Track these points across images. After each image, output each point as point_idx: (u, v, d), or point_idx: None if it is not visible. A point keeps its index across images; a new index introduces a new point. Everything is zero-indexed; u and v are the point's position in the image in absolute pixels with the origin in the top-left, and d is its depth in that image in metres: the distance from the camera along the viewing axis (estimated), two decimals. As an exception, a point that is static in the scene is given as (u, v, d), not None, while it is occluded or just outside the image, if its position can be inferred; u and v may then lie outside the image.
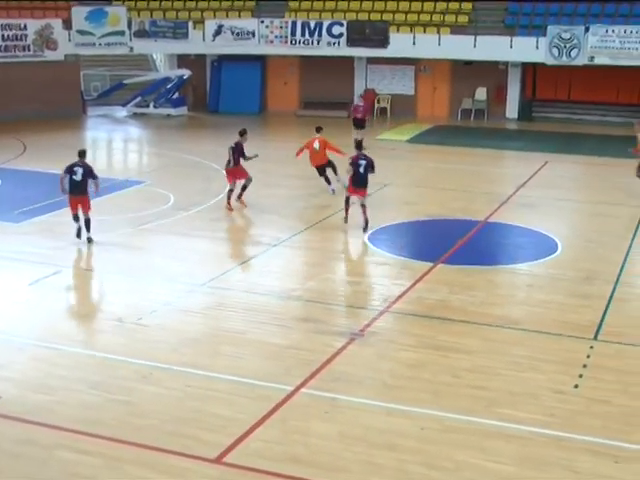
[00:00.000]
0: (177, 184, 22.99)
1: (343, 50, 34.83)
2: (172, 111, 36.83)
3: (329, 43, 34.78)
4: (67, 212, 18.78)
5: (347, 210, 18.95)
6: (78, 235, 17.59)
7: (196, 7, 38.17)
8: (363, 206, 18.54)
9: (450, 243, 17.88)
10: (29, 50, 34.56)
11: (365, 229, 18.33)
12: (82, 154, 18.04)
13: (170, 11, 37.92)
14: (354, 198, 18.87)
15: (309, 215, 20.16)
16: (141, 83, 38.24)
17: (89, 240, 17.53)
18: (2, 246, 17.42)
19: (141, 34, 35.94)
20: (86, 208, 17.65)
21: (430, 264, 16.34)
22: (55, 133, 31.11)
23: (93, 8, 35.73)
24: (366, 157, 18.97)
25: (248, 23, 35.62)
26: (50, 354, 12.24)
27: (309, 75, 37.77)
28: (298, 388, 11.10)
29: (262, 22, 35.36)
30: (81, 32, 35.37)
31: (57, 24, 35.04)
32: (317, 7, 37.46)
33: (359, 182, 18.73)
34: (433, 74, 37.28)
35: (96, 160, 28.18)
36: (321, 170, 21.95)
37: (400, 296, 14.60)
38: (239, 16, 37.11)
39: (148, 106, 37.19)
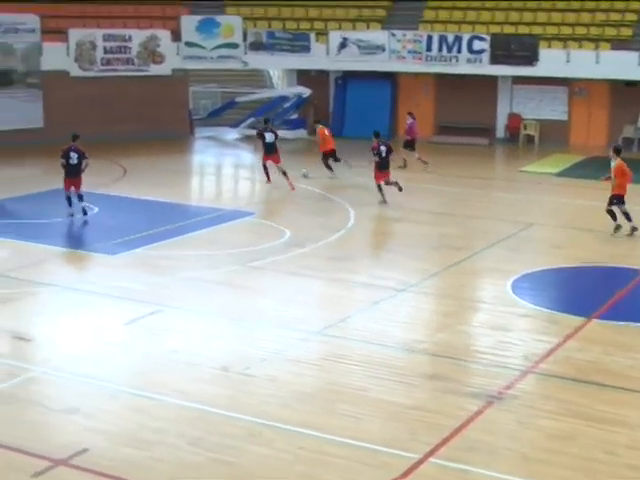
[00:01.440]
0: (292, 217, 23.29)
1: (485, 68, 34.79)
2: (289, 134, 37.22)
3: (469, 60, 34.79)
4: (167, 245, 19.33)
5: (383, 194, 24.59)
6: (72, 214, 22.46)
7: (320, 16, 38.51)
8: (392, 183, 24.57)
9: (606, 295, 17.51)
10: (133, 64, 35.67)
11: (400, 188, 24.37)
12: (75, 138, 22.80)
13: (290, 21, 38.36)
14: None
15: (441, 256, 20.09)
16: (255, 102, 38.88)
17: (84, 211, 22.33)
18: (96, 280, 17.95)
19: (257, 47, 36.64)
20: (78, 187, 22.55)
21: (581, 319, 16.03)
22: (158, 156, 31.95)
23: (204, 17, 36.63)
24: (385, 143, 24.91)
25: (377, 36, 35.93)
26: (145, 404, 12.50)
27: (445, 96, 37.76)
28: (426, 457, 11.02)
29: (393, 35, 35.59)
30: (190, 44, 36.30)
31: (164, 35, 36.05)
32: (456, 18, 37.48)
33: (385, 166, 24.58)
34: (589, 97, 36.78)
35: (203, 187, 28.91)
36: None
37: (546, 355, 14.36)
38: (367, 27, 37.43)
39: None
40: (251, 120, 38.02)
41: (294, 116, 38.24)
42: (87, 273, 18.51)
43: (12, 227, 21.98)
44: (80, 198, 22.71)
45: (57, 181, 27.08)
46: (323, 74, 38.55)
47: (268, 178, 27.09)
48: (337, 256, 19.78)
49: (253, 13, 38.78)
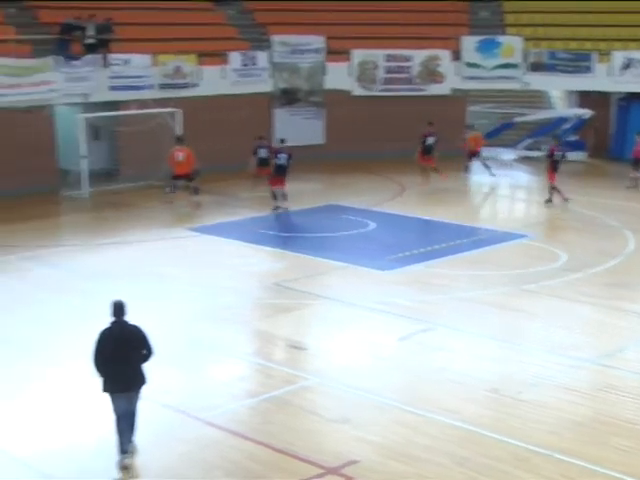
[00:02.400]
0: (567, 241, 22.81)
1: None
2: (568, 156, 36.43)
3: None
4: (440, 264, 19.56)
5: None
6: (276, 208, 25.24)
7: (603, 36, 37.55)
8: None
9: None
10: (412, 83, 36.10)
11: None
12: (283, 141, 26.50)
13: (572, 41, 37.64)
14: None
15: None
16: (532, 122, 38.39)
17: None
18: (370, 295, 18.29)
19: (537, 67, 36.20)
20: (284, 185, 25.98)
21: None
22: (433, 175, 32.03)
23: (485, 38, 36.56)
24: None
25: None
26: (414, 420, 12.62)
27: None
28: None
29: (681, 55, 34.18)
30: (470, 64, 36.33)
31: (444, 55, 36.27)
32: None
33: None
34: None
35: (478, 207, 28.85)
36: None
37: None
38: (655, 48, 36.13)
39: (540, 149, 37.19)
40: (528, 141, 37.59)
41: (573, 138, 37.39)
42: (361, 288, 18.86)
43: (292, 240, 22.78)
44: (284, 196, 25.90)
45: (336, 196, 27.97)
46: (604, 95, 37.50)
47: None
48: (614, 283, 19.18)
49: (535, 33, 38.31)
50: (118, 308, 11.38)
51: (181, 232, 23.53)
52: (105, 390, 11.36)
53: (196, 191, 26.54)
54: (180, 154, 26.75)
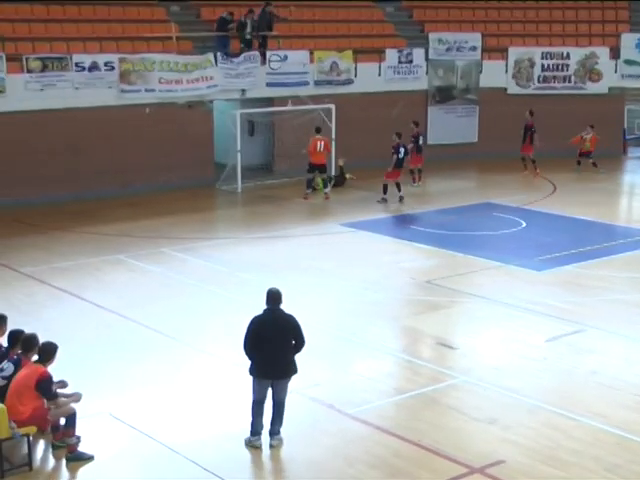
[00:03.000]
0: None
1: None
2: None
3: None
4: (593, 265, 19.18)
5: None
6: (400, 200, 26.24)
7: None
8: None
9: None
10: (570, 81, 35.33)
11: None
12: (399, 135, 26.91)
13: None
14: None
15: None
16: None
17: (400, 198, 26.56)
18: (520, 294, 17.98)
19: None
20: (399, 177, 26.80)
21: None
22: (590, 173, 31.32)
23: (645, 35, 35.53)
24: None
25: None
26: (565, 423, 12.34)
27: None
28: None
29: None
30: (629, 62, 35.34)
31: (603, 53, 35.36)
32: None
33: None
34: None
35: (632, 208, 28.03)
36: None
37: None
38: None
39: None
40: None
41: None
42: (512, 287, 18.56)
43: (444, 237, 22.60)
44: (399, 187, 26.53)
45: (489, 194, 27.65)
46: None
47: None
48: None
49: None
50: (273, 296, 11.51)
51: (334, 227, 23.64)
52: (251, 373, 11.59)
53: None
54: (320, 143, 27.25)
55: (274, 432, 11.68)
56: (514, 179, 30.50)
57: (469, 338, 15.79)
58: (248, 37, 30.44)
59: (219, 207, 27.80)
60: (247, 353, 11.55)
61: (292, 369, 11.66)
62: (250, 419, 11.68)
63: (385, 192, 26.58)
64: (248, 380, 11.69)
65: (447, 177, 30.69)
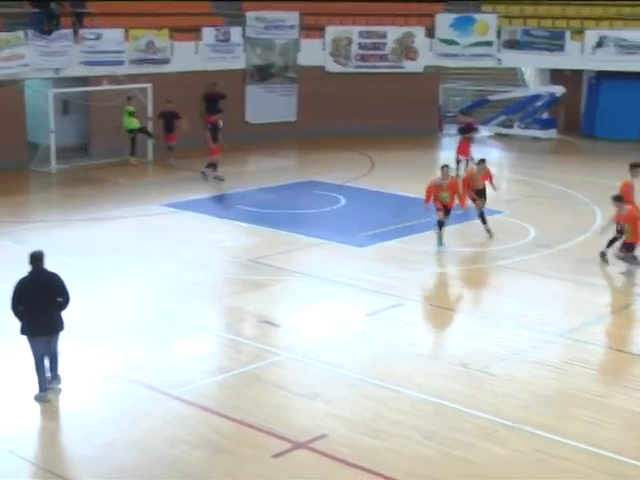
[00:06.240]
0: (540, 217, 22.81)
1: None
2: (540, 133, 36.57)
3: None
4: (413, 240, 19.57)
5: None
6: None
7: (577, 14, 37.57)
8: None
9: None
10: (387, 60, 35.99)
11: None
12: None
13: (546, 19, 37.60)
14: None
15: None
16: (506, 100, 38.40)
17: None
18: (341, 271, 18.25)
19: (511, 45, 36.13)
20: None
21: None
22: (406, 151, 32.10)
23: (460, 15, 36.47)
24: None
25: (636, 35, 34.62)
26: (384, 394, 12.62)
27: None
28: (667, 470, 10.61)
29: (654, 33, 34.25)
30: (445, 41, 36.25)
31: (419, 32, 36.17)
32: None
33: None
34: None
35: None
36: None
37: None
38: (626, 26, 36.16)
39: (512, 126, 37.27)
40: (502, 118, 37.59)
41: (545, 115, 37.50)
42: (333, 264, 18.81)
43: (265, 216, 22.68)
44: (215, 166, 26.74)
45: (310, 172, 27.91)
46: (576, 73, 37.53)
47: None
48: (584, 258, 19.20)
49: (509, 11, 38.25)
50: (36, 257, 12.29)
51: (155, 208, 23.35)
52: (23, 333, 12.21)
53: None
54: None
55: (54, 377, 12.49)
56: (334, 157, 30.88)
57: (291, 315, 15.93)
58: (55, 12, 29.66)
59: (33, 190, 27.02)
60: (16, 314, 12.15)
61: (60, 325, 12.34)
62: (37, 377, 12.22)
63: (215, 169, 26.60)
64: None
65: (268, 156, 30.82)
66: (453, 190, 19.86)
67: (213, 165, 26.74)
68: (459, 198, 20.16)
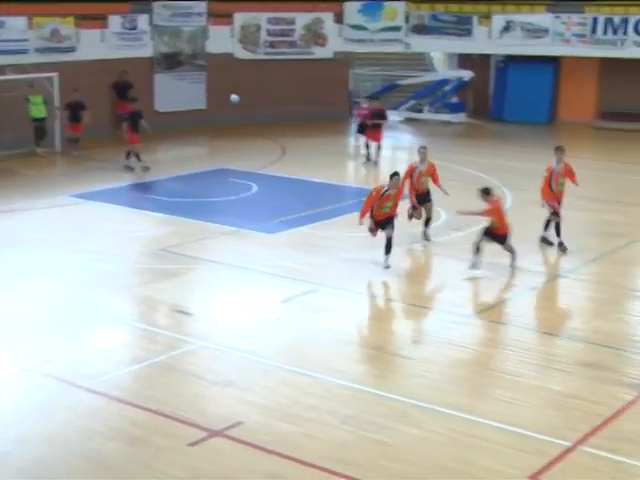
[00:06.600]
0: (448, 199, 22.98)
1: (652, 51, 33.62)
2: (449, 117, 36.98)
3: (636, 43, 33.70)
4: (325, 226, 19.58)
5: None
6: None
7: (483, -1, 37.96)
8: None
9: None
10: (296, 46, 35.98)
11: None
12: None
13: (453, 4, 37.84)
14: None
15: (602, 243, 19.62)
16: (416, 85, 38.72)
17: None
18: (254, 257, 18.22)
19: (419, 30, 36.41)
20: None
21: None
22: (317, 137, 32.20)
23: (368, 1, 36.60)
24: None
25: (542, 19, 35.20)
26: (300, 380, 12.65)
27: (610, 81, 36.63)
28: (576, 445, 10.80)
29: (557, 17, 34.81)
30: (353, 27, 36.38)
31: (328, 18, 36.23)
32: (624, -1, 36.23)
33: None
34: None
35: (360, 169, 28.92)
36: None
37: None
38: (532, 11, 36.70)
39: (422, 111, 37.60)
40: (411, 103, 37.90)
41: (454, 99, 37.90)
42: (246, 251, 18.77)
43: (176, 204, 22.53)
44: (138, 157, 26.30)
45: (220, 160, 27.79)
46: (484, 57, 38.00)
47: None
48: (494, 240, 19.43)
49: (417, -5, 38.48)
50: None
51: (64, 199, 22.98)
52: None
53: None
54: None
55: None
56: (245, 144, 30.78)
57: (205, 303, 15.86)
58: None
59: None
60: None
61: None
62: None
63: (139, 159, 26.32)
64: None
65: (179, 144, 30.60)
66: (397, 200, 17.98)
67: (136, 155, 26.38)
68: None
